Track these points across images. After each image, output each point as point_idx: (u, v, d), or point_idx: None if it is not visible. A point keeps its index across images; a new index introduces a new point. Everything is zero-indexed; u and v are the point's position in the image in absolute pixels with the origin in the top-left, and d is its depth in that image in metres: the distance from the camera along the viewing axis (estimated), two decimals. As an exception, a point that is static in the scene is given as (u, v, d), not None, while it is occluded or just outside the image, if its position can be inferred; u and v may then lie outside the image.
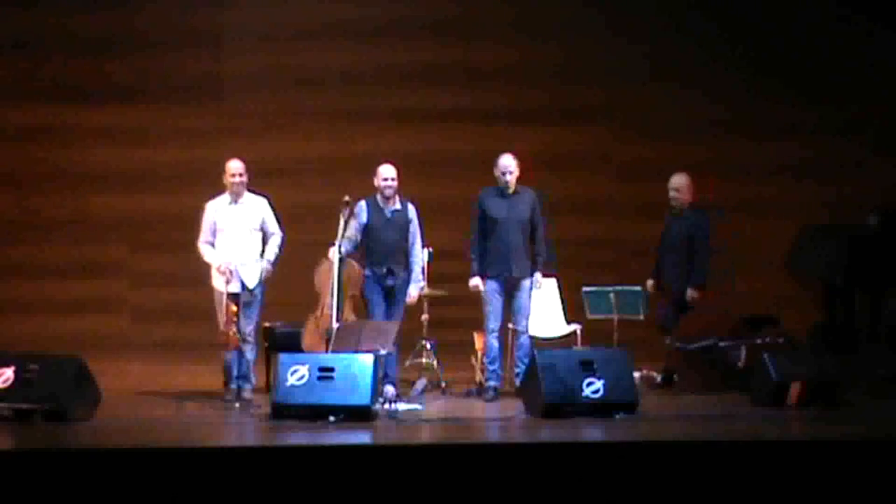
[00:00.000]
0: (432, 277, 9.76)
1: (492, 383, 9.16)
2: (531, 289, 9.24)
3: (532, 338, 9.37)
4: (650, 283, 9.72)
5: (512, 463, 7.10)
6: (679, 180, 9.57)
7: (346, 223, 9.04)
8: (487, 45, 11.95)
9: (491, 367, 9.19)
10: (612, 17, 11.95)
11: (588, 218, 11.81)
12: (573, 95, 11.93)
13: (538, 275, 9.28)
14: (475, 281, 9.22)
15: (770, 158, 11.85)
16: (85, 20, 11.83)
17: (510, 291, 9.23)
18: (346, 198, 9.07)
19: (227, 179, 9.05)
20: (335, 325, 8.72)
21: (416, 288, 9.27)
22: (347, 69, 11.92)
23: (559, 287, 10.33)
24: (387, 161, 9.26)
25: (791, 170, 11.82)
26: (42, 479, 6.72)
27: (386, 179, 9.16)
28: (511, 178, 9.18)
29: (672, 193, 9.57)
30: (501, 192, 9.23)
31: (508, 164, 9.19)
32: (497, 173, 9.22)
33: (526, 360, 9.12)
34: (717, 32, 11.92)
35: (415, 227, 9.28)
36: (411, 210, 9.30)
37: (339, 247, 8.95)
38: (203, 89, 11.90)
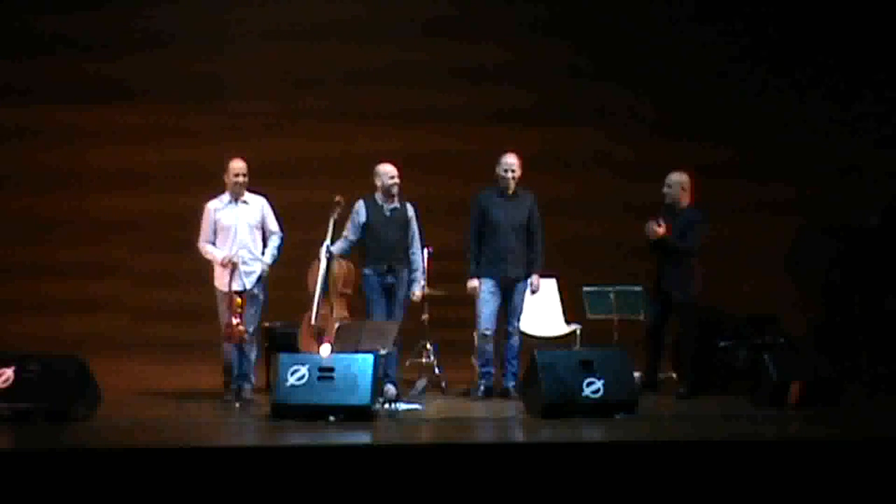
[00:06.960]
0: (432, 277, 9.75)
1: (483, 383, 9.19)
2: (524, 291, 9.27)
3: (521, 337, 9.38)
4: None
5: (512, 463, 7.09)
6: (675, 177, 9.35)
7: (336, 223, 9.10)
8: (487, 45, 11.94)
9: (483, 369, 9.23)
10: (611, 18, 11.94)
11: (588, 218, 11.79)
12: (572, 95, 11.92)
13: (535, 277, 9.29)
14: (473, 283, 9.24)
15: (770, 158, 11.83)
16: (85, 20, 11.81)
17: (505, 293, 9.24)
18: (337, 198, 9.13)
19: (230, 179, 9.04)
20: (314, 322, 8.91)
21: (420, 287, 9.29)
22: (347, 69, 11.91)
23: (559, 287, 10.33)
24: (385, 161, 9.27)
25: (791, 170, 11.80)
26: (42, 479, 6.72)
27: (393, 177, 9.19)
28: (513, 178, 9.19)
29: (665, 189, 9.35)
30: (501, 192, 9.23)
31: (513, 162, 9.21)
32: (500, 171, 9.22)
33: (515, 363, 9.19)
34: (718, 32, 11.90)
35: (414, 226, 9.30)
36: (410, 209, 9.32)
37: (327, 246, 9.01)
38: (203, 89, 11.88)
